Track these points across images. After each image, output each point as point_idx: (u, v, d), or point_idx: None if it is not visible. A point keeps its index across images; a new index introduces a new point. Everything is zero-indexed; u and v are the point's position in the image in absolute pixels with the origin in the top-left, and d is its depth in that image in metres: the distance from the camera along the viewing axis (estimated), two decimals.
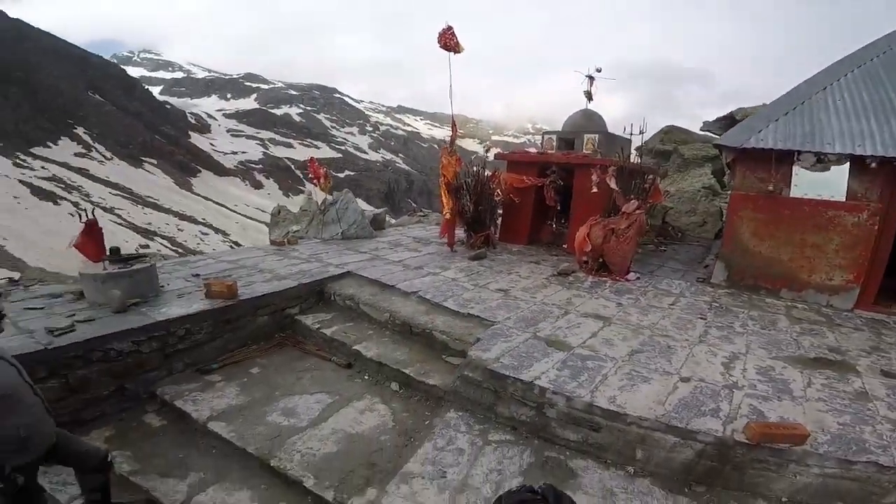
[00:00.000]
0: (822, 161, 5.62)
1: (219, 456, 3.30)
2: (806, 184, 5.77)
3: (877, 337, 4.97)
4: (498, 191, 7.83)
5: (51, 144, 46.90)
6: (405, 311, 4.91)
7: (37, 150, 44.44)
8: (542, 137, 8.90)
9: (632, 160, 7.14)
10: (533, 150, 9.21)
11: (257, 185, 66.32)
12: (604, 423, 3.21)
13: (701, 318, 5.11)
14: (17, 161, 40.18)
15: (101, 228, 4.82)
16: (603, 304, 5.38)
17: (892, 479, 2.73)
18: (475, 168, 7.99)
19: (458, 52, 7.50)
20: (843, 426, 3.10)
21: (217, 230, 43.87)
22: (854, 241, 5.71)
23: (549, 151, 8.42)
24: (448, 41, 7.37)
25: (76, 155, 48.14)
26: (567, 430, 3.32)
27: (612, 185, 6.46)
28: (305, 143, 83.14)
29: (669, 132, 18.83)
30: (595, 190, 6.81)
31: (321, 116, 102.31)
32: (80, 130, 51.43)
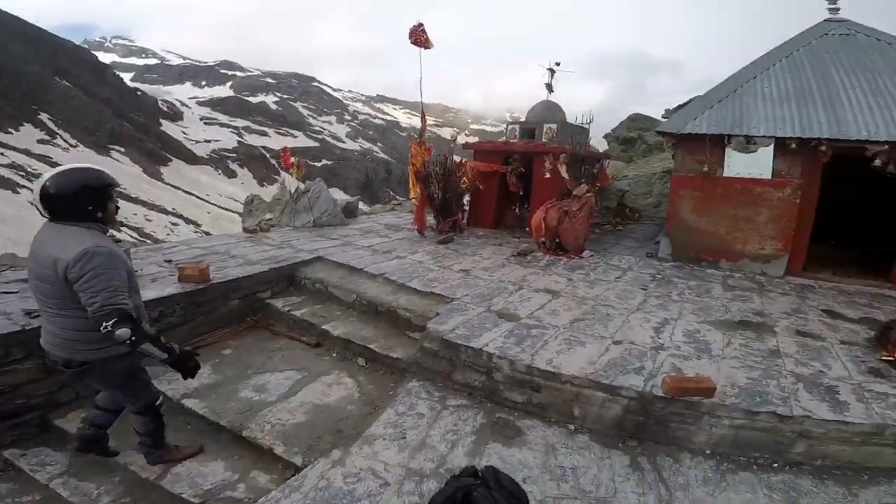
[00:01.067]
0: (751, 142, 6.16)
1: (193, 431, 3.45)
2: (737, 164, 6.33)
3: (800, 300, 5.49)
4: (465, 178, 8.18)
5: (12, 131, 45.17)
6: (372, 292, 5.17)
7: None
8: (507, 128, 9.27)
9: (585, 148, 7.56)
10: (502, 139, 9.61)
11: (231, 175, 65.25)
12: (543, 384, 3.52)
13: (643, 289, 5.57)
14: None
15: None
16: (555, 280, 5.79)
17: (794, 429, 3.01)
18: (443, 157, 8.31)
19: (429, 48, 7.83)
20: (751, 381, 3.43)
21: (188, 220, 43.19)
22: (780, 214, 6.30)
23: (512, 141, 8.80)
24: (418, 38, 7.71)
25: (39, 142, 46.49)
26: (513, 392, 3.64)
27: (563, 172, 6.89)
28: (282, 131, 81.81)
29: (635, 120, 19.45)
30: (547, 176, 7.23)
31: (299, 105, 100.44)
32: (44, 116, 49.60)
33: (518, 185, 8.46)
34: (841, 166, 6.21)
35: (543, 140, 8.41)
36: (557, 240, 7.01)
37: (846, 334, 4.45)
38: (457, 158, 8.68)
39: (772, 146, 6.13)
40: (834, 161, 6.08)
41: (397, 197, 16.05)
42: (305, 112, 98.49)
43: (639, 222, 9.95)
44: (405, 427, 3.31)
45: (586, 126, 8.45)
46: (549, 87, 9.04)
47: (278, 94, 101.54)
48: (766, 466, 2.97)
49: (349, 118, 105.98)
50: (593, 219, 7.44)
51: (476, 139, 9.73)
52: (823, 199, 6.48)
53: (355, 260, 6.10)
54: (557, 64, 8.98)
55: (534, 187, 8.25)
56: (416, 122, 9.13)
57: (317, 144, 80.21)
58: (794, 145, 5.99)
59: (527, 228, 8.55)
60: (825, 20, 8.11)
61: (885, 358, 3.80)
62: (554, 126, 8.35)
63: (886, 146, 5.70)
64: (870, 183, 6.81)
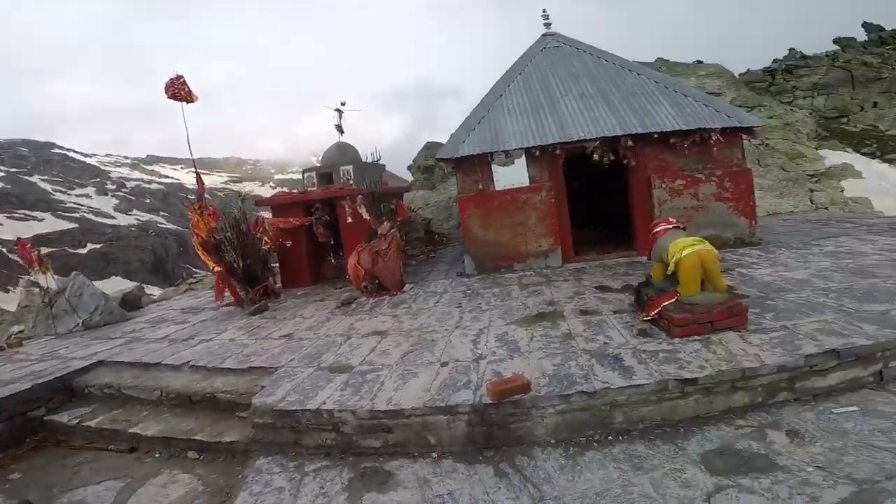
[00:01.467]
0: (508, 156, 7.40)
1: None
2: (503, 178, 7.54)
3: (578, 283, 6.58)
4: (265, 238, 7.73)
5: None
6: (178, 384, 4.71)
7: None
8: (304, 176, 9.13)
9: (379, 185, 7.92)
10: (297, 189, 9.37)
11: None
12: (391, 423, 3.54)
13: (458, 307, 6.06)
14: None
15: None
16: (381, 321, 5.89)
17: (604, 402, 3.32)
18: (233, 219, 7.71)
19: (192, 101, 7.13)
20: (556, 367, 3.78)
21: None
22: (544, 214, 7.62)
23: (310, 188, 8.71)
24: (177, 91, 6.98)
25: None
26: (368, 439, 3.58)
27: (363, 213, 7.14)
28: (17, 215, 64.82)
29: (430, 147, 21.16)
30: (349, 220, 7.39)
31: (36, 178, 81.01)
32: None
33: (327, 234, 8.37)
34: (588, 162, 7.59)
35: (341, 183, 8.52)
36: (377, 281, 7.16)
37: (615, 304, 5.37)
38: (267, 215, 8.18)
39: (523, 157, 7.45)
40: (569, 160, 7.64)
41: (195, 273, 14.26)
42: (48, 186, 79.99)
43: (447, 246, 10.87)
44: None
45: (379, 162, 8.84)
46: (340, 129, 9.24)
47: (2, 168, 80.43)
48: (603, 441, 3.27)
49: (113, 187, 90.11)
50: (405, 252, 7.82)
51: (284, 190, 9.28)
52: (579, 193, 8.01)
53: (148, 355, 5.44)
54: (343, 104, 9.25)
55: (343, 233, 8.27)
56: (205, 179, 8.33)
57: (75, 225, 65.86)
58: (537, 153, 7.40)
59: (347, 276, 8.52)
60: (543, 35, 9.94)
61: (645, 319, 4.49)
62: (349, 168, 8.54)
63: (598, 142, 7.37)
64: (609, 172, 8.43)
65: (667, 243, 4.47)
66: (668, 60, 21.11)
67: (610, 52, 9.49)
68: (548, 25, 9.94)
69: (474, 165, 7.55)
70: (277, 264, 8.61)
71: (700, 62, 20.76)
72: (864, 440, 2.86)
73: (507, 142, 7.56)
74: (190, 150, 7.42)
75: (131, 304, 8.38)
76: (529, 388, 3.48)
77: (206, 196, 8.10)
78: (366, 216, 7.17)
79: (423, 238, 10.70)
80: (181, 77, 7.06)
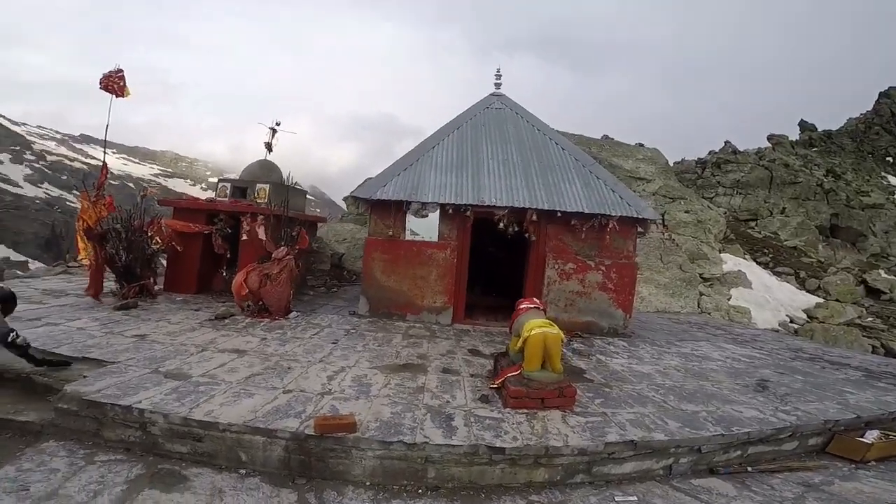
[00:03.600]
0: (423, 208, 7.62)
1: None
2: (415, 228, 7.71)
3: (456, 343, 6.78)
4: (157, 238, 7.41)
5: None
6: None
7: None
8: (218, 184, 8.93)
9: (286, 210, 7.83)
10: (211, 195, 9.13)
11: None
12: (203, 433, 3.52)
13: (333, 343, 6.04)
14: None
15: None
16: (247, 341, 5.72)
17: (420, 455, 3.41)
18: (126, 214, 7.40)
19: (124, 96, 7.22)
20: (394, 415, 3.87)
21: None
22: (445, 272, 7.82)
23: (221, 199, 8.53)
24: (111, 84, 7.08)
25: None
26: (175, 443, 3.56)
27: (260, 233, 7.08)
28: None
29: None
30: (244, 238, 7.28)
31: None
32: None
33: (224, 246, 8.14)
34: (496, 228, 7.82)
35: (258, 200, 8.38)
36: (261, 302, 7.00)
37: (477, 368, 5.58)
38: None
39: (437, 211, 7.65)
40: (482, 224, 7.78)
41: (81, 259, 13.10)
42: None
43: (354, 283, 10.84)
44: (30, 481, 3.03)
45: (298, 187, 8.76)
46: (269, 147, 9.13)
47: None
48: (413, 492, 3.35)
49: (32, 157, 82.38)
50: (302, 280, 7.73)
51: (211, 193, 8.92)
52: (493, 256, 8.09)
53: None
54: (278, 124, 9.25)
55: (241, 249, 8.08)
56: (134, 168, 8.02)
57: None
58: (450, 210, 7.59)
59: None
60: (490, 94, 10.21)
61: (492, 386, 4.72)
62: (266, 186, 8.45)
63: (506, 210, 7.70)
64: (518, 245, 8.79)
65: (524, 321, 4.78)
66: (612, 139, 22.33)
67: (544, 122, 9.90)
68: (498, 86, 10.24)
69: (389, 210, 7.72)
70: (164, 265, 8.17)
71: (641, 145, 21.75)
72: None
73: (425, 194, 7.73)
74: (105, 141, 7.47)
75: None
76: (355, 428, 3.57)
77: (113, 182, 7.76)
78: (261, 237, 7.09)
79: (328, 271, 10.63)
80: (121, 71, 7.16)
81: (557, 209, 7.76)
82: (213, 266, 8.65)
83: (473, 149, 8.86)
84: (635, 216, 7.90)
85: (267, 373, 4.66)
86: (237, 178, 9.06)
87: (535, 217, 7.79)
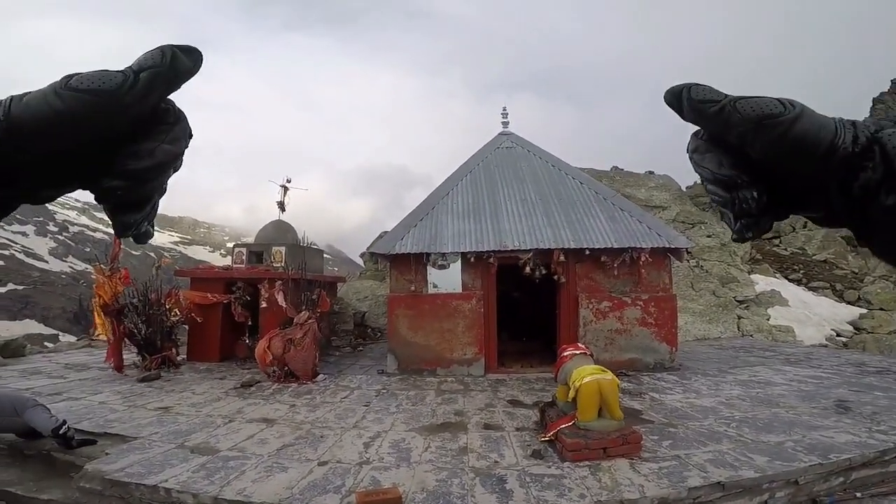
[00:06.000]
0: (444, 259, 7.34)
1: None
2: (437, 281, 7.43)
3: (493, 394, 6.40)
4: (176, 310, 7.29)
5: None
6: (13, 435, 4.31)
7: None
8: (234, 251, 8.77)
9: (305, 273, 7.65)
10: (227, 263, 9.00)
11: None
12: None
13: (365, 406, 5.69)
14: None
15: None
16: (275, 409, 5.43)
17: None
18: (143, 288, 7.35)
19: None
20: (440, 483, 3.59)
21: None
22: (472, 322, 7.49)
23: (237, 265, 8.40)
24: None
25: None
26: None
27: (280, 300, 6.89)
28: None
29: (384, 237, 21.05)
30: (264, 305, 7.08)
31: None
32: None
33: (244, 314, 7.94)
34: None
35: (274, 264, 8.22)
36: (286, 367, 6.73)
37: (521, 420, 5.23)
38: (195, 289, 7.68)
39: (459, 261, 7.36)
40: (503, 269, 7.44)
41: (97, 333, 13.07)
42: None
43: (379, 341, 10.50)
44: None
45: (314, 246, 8.56)
46: (282, 206, 8.95)
47: None
48: None
49: (55, 229, 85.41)
50: (328, 342, 7.47)
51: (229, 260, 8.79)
52: (518, 301, 7.69)
53: None
54: (289, 181, 9.08)
55: (262, 315, 7.86)
56: (157, 237, 8.00)
57: (1, 263, 61.06)
58: (472, 259, 7.30)
59: None
60: (499, 133, 9.97)
61: (543, 439, 4.39)
62: (282, 249, 8.25)
63: (531, 254, 7.38)
64: (543, 284, 8.32)
65: (572, 368, 4.47)
66: (622, 170, 21.77)
67: (557, 157, 9.66)
68: (505, 125, 10.04)
69: (409, 264, 7.50)
70: (187, 335, 8.00)
71: (651, 172, 21.22)
72: None
73: (444, 244, 7.51)
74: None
75: (12, 351, 7.54)
76: (401, 501, 3.26)
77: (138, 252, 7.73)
78: (281, 303, 6.90)
79: (352, 330, 10.34)
80: None
81: (585, 247, 7.49)
82: (234, 333, 8.45)
83: (489, 191, 8.70)
84: (667, 246, 7.56)
85: (299, 443, 4.33)
86: (253, 241, 8.93)
87: (562, 257, 7.51)
